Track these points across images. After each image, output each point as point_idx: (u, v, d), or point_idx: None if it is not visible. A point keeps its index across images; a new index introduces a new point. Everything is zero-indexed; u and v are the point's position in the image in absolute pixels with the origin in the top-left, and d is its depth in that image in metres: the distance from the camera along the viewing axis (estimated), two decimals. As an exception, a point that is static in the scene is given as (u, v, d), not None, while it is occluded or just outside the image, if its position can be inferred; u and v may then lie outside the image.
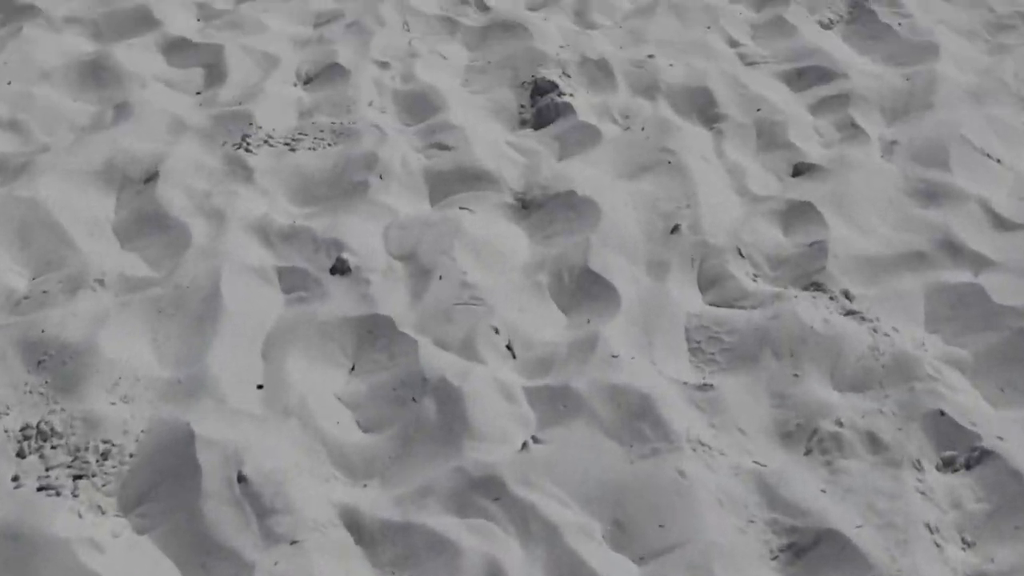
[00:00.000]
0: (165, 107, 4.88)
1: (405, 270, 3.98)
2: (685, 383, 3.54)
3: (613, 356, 3.59)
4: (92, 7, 5.74)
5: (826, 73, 5.22)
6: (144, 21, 5.59)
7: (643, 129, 4.80)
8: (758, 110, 4.94)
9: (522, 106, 5.05)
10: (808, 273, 3.99)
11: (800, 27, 5.62)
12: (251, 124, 4.76)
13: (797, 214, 4.27)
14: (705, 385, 3.54)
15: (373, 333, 3.71)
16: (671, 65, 5.27)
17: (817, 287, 3.92)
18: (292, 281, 3.96)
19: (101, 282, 3.87)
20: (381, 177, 4.43)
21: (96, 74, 5.14)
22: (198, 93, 5.13)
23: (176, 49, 5.41)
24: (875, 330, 3.73)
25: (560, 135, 4.81)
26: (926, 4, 5.84)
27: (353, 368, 3.65)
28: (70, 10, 5.67)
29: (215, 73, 5.21)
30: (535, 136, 4.84)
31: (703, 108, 4.98)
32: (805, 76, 5.24)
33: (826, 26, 5.73)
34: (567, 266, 3.99)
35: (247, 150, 4.60)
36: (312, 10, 5.87)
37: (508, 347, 3.68)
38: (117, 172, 4.46)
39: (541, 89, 5.08)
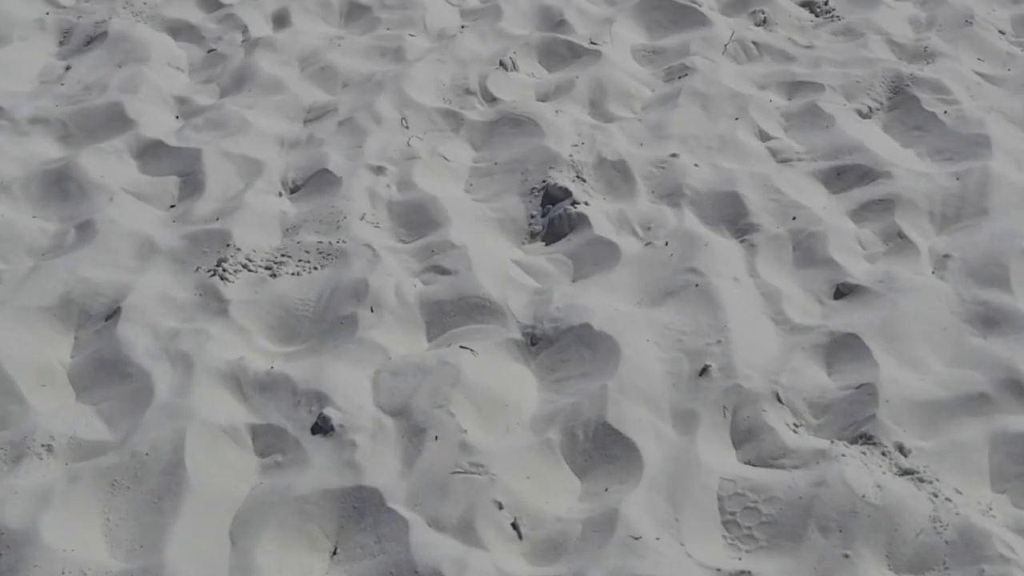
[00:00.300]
0: (133, 226, 4.49)
1: (396, 428, 3.57)
2: (719, 570, 3.12)
3: (635, 538, 3.17)
4: (61, 105, 5.37)
5: (867, 172, 4.81)
6: (117, 121, 5.20)
7: (666, 244, 4.40)
8: (793, 218, 4.53)
9: (532, 216, 4.65)
10: (856, 422, 3.58)
11: (837, 116, 5.22)
12: (228, 245, 4.37)
13: (841, 349, 3.86)
14: (742, 573, 3.12)
15: (358, 509, 3.30)
16: (696, 165, 4.87)
17: (867, 439, 3.51)
18: (268, 442, 3.56)
19: (49, 448, 3.48)
20: (372, 310, 4.03)
21: (61, 185, 4.75)
22: (172, 206, 4.75)
23: (150, 154, 5.02)
24: (935, 494, 3.31)
25: (574, 252, 4.41)
26: (974, 88, 5.44)
27: (335, 552, 3.24)
28: (37, 109, 5.29)
29: (191, 183, 4.82)
30: (546, 253, 4.45)
31: (733, 217, 4.58)
32: (844, 176, 4.83)
33: (865, 115, 5.33)
34: (582, 421, 3.58)
35: (223, 277, 4.21)
36: (302, 104, 5.48)
37: (514, 526, 3.26)
38: (75, 307, 4.07)
39: (553, 197, 4.69)
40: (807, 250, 4.38)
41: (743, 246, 4.44)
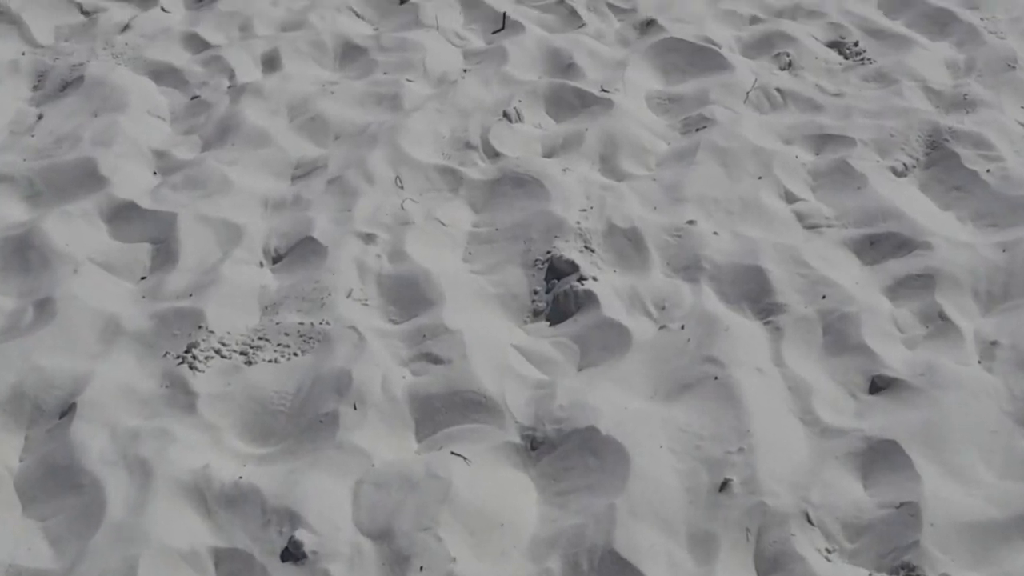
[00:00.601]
0: (98, 303, 4.11)
1: (377, 555, 3.18)
2: None
3: None
4: (30, 159, 5.00)
5: (904, 242, 4.42)
6: (89, 178, 4.83)
7: (683, 327, 4.01)
8: (823, 297, 4.15)
9: (535, 291, 4.27)
10: (897, 549, 3.19)
11: (869, 176, 4.83)
12: (201, 327, 4.00)
13: (879, 458, 3.47)
14: None
15: (330, 657, 2.93)
16: (715, 233, 4.48)
17: (910, 570, 3.12)
18: (232, 570, 3.17)
19: (-15, 579, 3.12)
20: (355, 407, 3.65)
21: (22, 255, 4.38)
22: (143, 278, 4.38)
23: (122, 218, 4.64)
24: (989, 643, 2.93)
25: (580, 336, 4.03)
26: (1019, 143, 5.04)
27: None
28: (3, 165, 4.91)
29: (165, 251, 4.45)
30: (550, 336, 4.06)
31: (756, 294, 4.19)
32: (879, 245, 4.44)
33: (900, 173, 4.93)
34: (586, 547, 3.19)
35: (192, 366, 3.84)
36: (291, 159, 5.10)
37: None
38: (27, 401, 3.70)
39: (558, 270, 4.31)
40: (838, 334, 3.99)
41: (767, 329, 4.05)
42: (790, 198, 4.79)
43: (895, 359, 3.87)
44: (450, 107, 5.39)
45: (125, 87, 5.54)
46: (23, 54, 5.97)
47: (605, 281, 4.25)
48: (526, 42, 6.02)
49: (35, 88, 5.75)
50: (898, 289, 4.22)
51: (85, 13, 6.47)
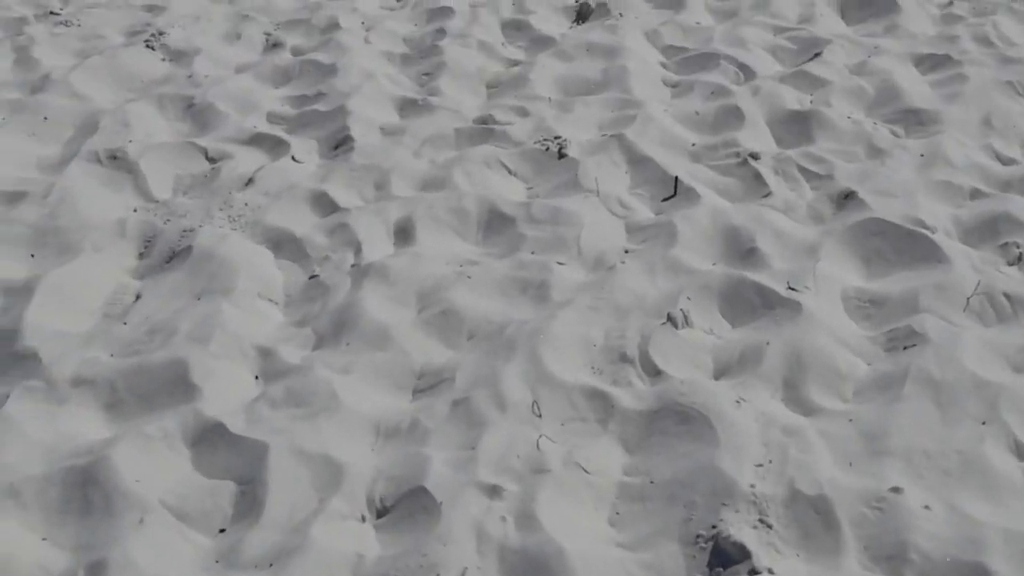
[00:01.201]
0: (161, 571, 3.49)
1: None
2: None
3: None
4: (117, 355, 4.43)
5: None
6: (178, 386, 4.24)
7: (883, 654, 3.21)
8: (1068, 611, 3.30)
9: (695, 580, 3.52)
10: None
11: (1123, 426, 3.95)
12: (278, 615, 3.34)
13: None
14: None
15: None
16: (927, 508, 3.66)
17: None
18: None
19: None
20: None
21: (84, 492, 3.78)
22: (222, 531, 3.75)
23: (207, 443, 4.01)
24: None
25: (750, 656, 3.26)
26: None
27: None
28: (84, 364, 4.35)
29: (251, 496, 3.81)
30: (711, 651, 3.30)
31: (979, 606, 3.36)
32: None
33: None
34: None
35: (260, 675, 3.19)
36: (414, 366, 4.43)
37: None
38: None
39: (725, 555, 3.53)
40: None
41: (994, 656, 3.22)
42: (1022, 453, 3.93)
43: None
44: (605, 303, 4.68)
45: (236, 263, 4.97)
46: (134, 211, 5.49)
47: (784, 574, 3.46)
48: (700, 216, 5.29)
49: (140, 256, 5.23)
50: None
51: (210, 159, 5.98)
